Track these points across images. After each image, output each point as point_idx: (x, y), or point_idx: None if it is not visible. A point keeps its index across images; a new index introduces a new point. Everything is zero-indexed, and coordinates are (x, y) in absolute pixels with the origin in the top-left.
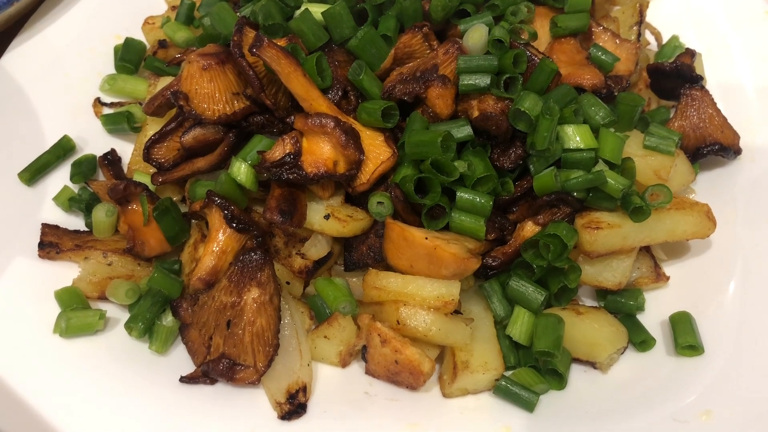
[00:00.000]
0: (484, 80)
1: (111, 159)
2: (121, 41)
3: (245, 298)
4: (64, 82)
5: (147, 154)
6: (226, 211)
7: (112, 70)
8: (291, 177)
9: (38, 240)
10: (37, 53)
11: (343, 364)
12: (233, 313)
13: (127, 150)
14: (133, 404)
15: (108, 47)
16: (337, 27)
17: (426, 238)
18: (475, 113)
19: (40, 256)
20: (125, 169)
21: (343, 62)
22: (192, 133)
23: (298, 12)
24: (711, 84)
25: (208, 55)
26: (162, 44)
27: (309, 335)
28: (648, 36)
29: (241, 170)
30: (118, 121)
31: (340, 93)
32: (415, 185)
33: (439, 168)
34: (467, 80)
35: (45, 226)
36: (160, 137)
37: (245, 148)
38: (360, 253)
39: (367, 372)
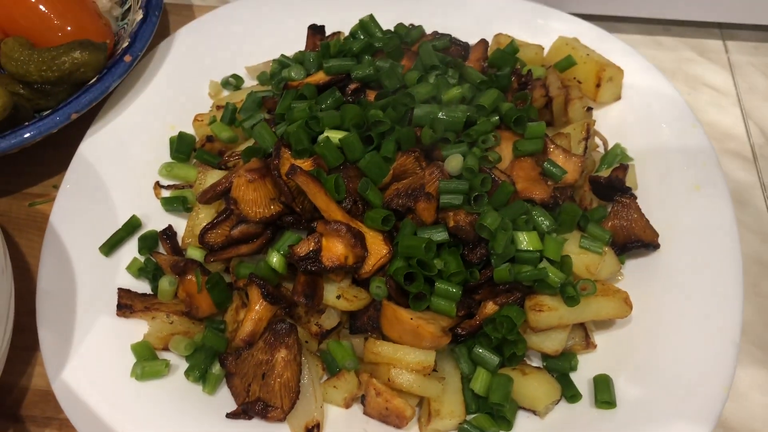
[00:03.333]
0: (457, 199)
1: (169, 234)
2: (174, 131)
3: (276, 356)
4: (129, 166)
5: (202, 238)
6: (263, 290)
7: (167, 155)
8: (313, 269)
9: (116, 302)
10: (108, 141)
11: (347, 406)
12: (267, 367)
13: (179, 224)
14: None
15: (164, 136)
16: (350, 151)
17: (411, 318)
18: (451, 223)
19: (117, 315)
20: (180, 242)
21: (353, 177)
22: (239, 228)
23: (321, 137)
24: (646, 181)
25: (253, 170)
26: (209, 139)
27: (322, 384)
28: (597, 140)
29: (275, 259)
30: (175, 203)
31: (351, 203)
32: (405, 276)
33: (422, 265)
34: (445, 199)
35: (120, 290)
36: (212, 226)
37: (279, 241)
38: (362, 322)
39: (365, 413)
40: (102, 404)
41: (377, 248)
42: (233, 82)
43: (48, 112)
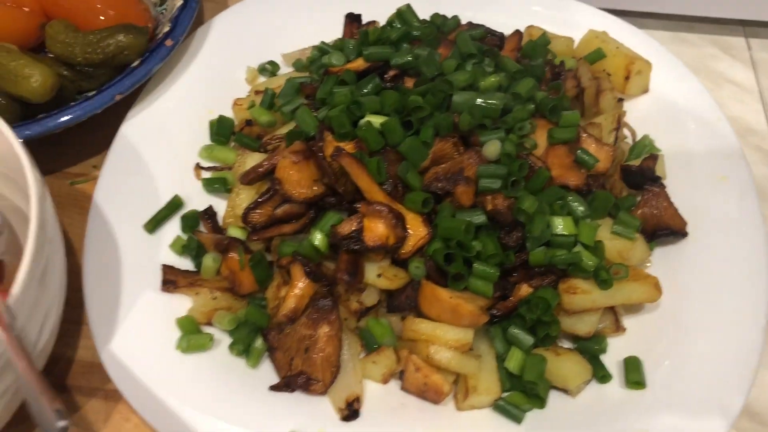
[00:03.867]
0: (496, 183)
1: (209, 214)
2: (212, 115)
3: (319, 332)
4: (170, 147)
5: (245, 218)
6: (306, 268)
7: (207, 138)
8: (355, 248)
9: (160, 278)
10: (148, 123)
11: (385, 381)
12: (310, 342)
13: (219, 205)
14: (235, 403)
15: (202, 119)
16: (390, 135)
17: (450, 297)
18: (489, 206)
19: (162, 290)
20: (220, 222)
21: (394, 161)
22: (283, 208)
23: (362, 121)
24: (673, 172)
25: (297, 152)
26: (248, 123)
27: (361, 360)
28: (625, 131)
29: (318, 238)
30: (216, 184)
31: (392, 185)
32: (444, 256)
33: (461, 246)
34: (484, 183)
35: (165, 266)
36: (255, 206)
37: (321, 221)
38: (400, 301)
39: (403, 388)
40: (148, 374)
41: (417, 229)
42: (270, 69)
43: (93, 93)
